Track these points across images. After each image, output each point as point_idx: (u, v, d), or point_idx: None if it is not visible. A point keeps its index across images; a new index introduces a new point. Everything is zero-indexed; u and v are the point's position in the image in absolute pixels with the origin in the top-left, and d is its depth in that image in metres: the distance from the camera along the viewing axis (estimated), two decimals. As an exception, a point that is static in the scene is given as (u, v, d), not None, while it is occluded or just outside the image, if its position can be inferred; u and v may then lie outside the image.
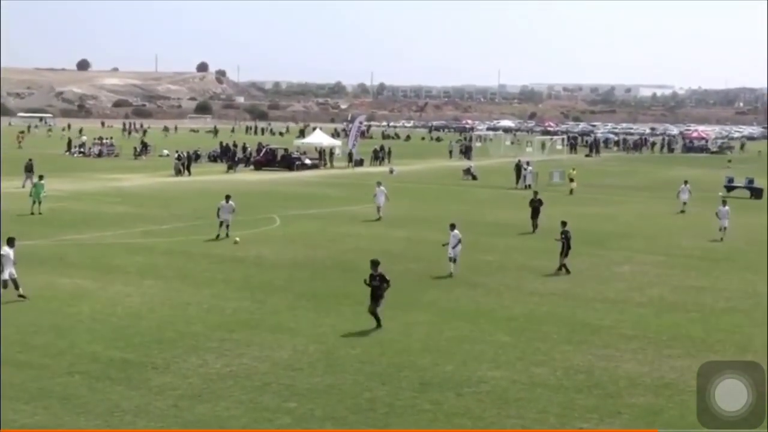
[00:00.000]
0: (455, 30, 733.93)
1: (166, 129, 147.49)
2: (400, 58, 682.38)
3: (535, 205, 42.25)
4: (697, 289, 29.60)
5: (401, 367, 19.86)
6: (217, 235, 36.79)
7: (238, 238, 35.39)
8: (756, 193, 61.57)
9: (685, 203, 52.13)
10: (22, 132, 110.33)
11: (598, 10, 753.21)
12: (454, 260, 30.20)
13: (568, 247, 31.21)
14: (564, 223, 31.96)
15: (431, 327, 23.56)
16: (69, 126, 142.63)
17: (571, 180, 63.89)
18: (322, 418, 16.58)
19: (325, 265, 32.14)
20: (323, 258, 33.69)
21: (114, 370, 19.26)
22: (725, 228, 40.22)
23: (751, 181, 64.96)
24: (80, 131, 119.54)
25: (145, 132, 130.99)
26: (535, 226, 41.74)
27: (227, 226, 37.40)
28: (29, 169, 57.95)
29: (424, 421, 16.56)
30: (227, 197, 38.35)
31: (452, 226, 30.81)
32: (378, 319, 22.89)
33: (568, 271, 30.98)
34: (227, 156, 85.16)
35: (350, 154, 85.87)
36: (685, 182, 53.76)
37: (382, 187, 46.22)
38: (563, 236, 31.35)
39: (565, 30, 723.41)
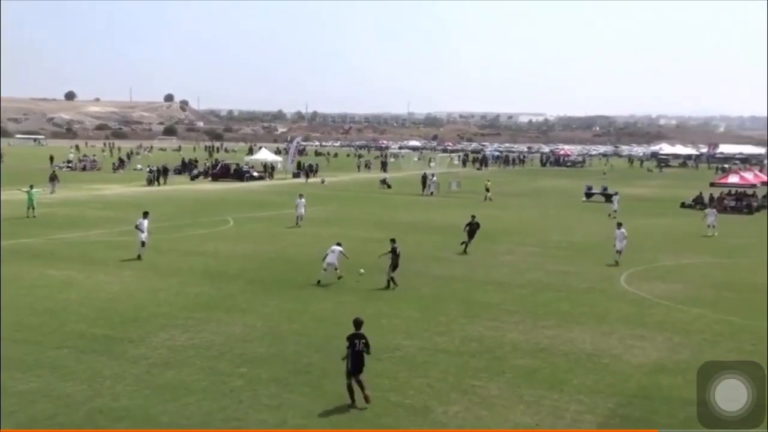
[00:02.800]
0: (373, 68, 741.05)
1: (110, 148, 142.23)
2: (329, 90, 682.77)
3: (473, 228, 34.86)
4: (564, 273, 29.98)
5: (332, 338, 19.72)
6: (138, 256, 30.52)
7: (362, 270, 27.00)
8: (609, 198, 62.68)
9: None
10: None
11: (484, 51, 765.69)
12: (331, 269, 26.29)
13: (396, 264, 26.34)
14: (393, 240, 27.08)
15: (356, 305, 23.44)
16: (77, 147, 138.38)
17: (487, 190, 63.42)
18: (267, 380, 16.40)
19: (270, 258, 31.85)
20: (268, 252, 33.39)
21: (97, 344, 18.80)
22: (620, 251, 32.14)
23: (605, 189, 66.31)
24: (76, 147, 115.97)
25: (111, 151, 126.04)
26: (466, 245, 34.21)
27: (142, 244, 30.71)
28: (53, 178, 58.20)
29: (351, 381, 16.50)
30: (145, 214, 31.66)
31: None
32: (352, 395, 15.23)
33: (395, 284, 26.02)
34: (188, 169, 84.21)
35: (309, 167, 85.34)
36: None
37: (303, 200, 43.09)
38: (396, 251, 26.47)
39: (459, 68, 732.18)
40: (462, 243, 34.30)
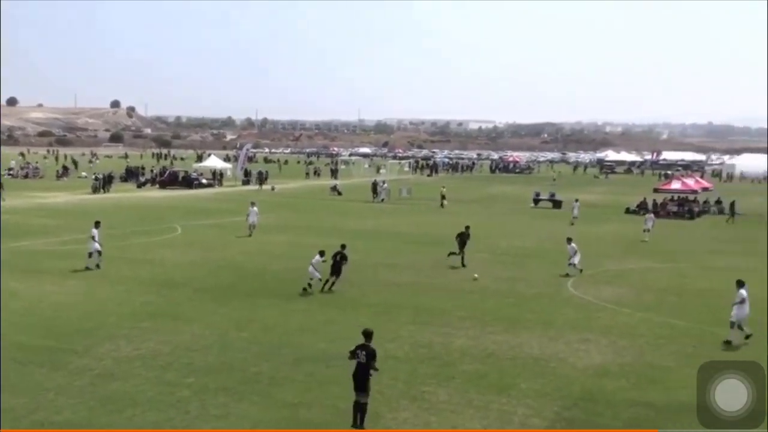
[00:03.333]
0: (324, 75, 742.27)
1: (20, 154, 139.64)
2: (279, 97, 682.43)
3: (464, 239, 33.24)
4: (512, 279, 30.20)
5: (281, 345, 19.67)
6: (87, 267, 29.61)
7: (476, 275, 29.44)
8: (557, 204, 63.71)
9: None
10: None
11: (434, 59, 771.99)
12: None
13: (338, 271, 26.60)
14: (343, 246, 27.11)
15: (306, 313, 23.42)
16: (23, 154, 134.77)
17: (443, 197, 63.55)
18: (215, 390, 16.24)
19: (219, 265, 31.55)
20: (217, 259, 33.06)
21: (39, 356, 18.38)
22: (575, 264, 30.93)
23: (553, 195, 67.16)
24: (22, 155, 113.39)
25: (56, 158, 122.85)
26: (460, 256, 32.83)
27: (99, 253, 29.92)
28: None
29: (300, 389, 16.42)
30: (97, 223, 31.00)
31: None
32: (355, 415, 14.26)
33: (329, 289, 26.37)
34: (134, 177, 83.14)
35: (260, 173, 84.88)
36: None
37: (255, 208, 41.74)
38: (337, 258, 26.63)
39: (410, 75, 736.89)
40: (451, 254, 32.90)
